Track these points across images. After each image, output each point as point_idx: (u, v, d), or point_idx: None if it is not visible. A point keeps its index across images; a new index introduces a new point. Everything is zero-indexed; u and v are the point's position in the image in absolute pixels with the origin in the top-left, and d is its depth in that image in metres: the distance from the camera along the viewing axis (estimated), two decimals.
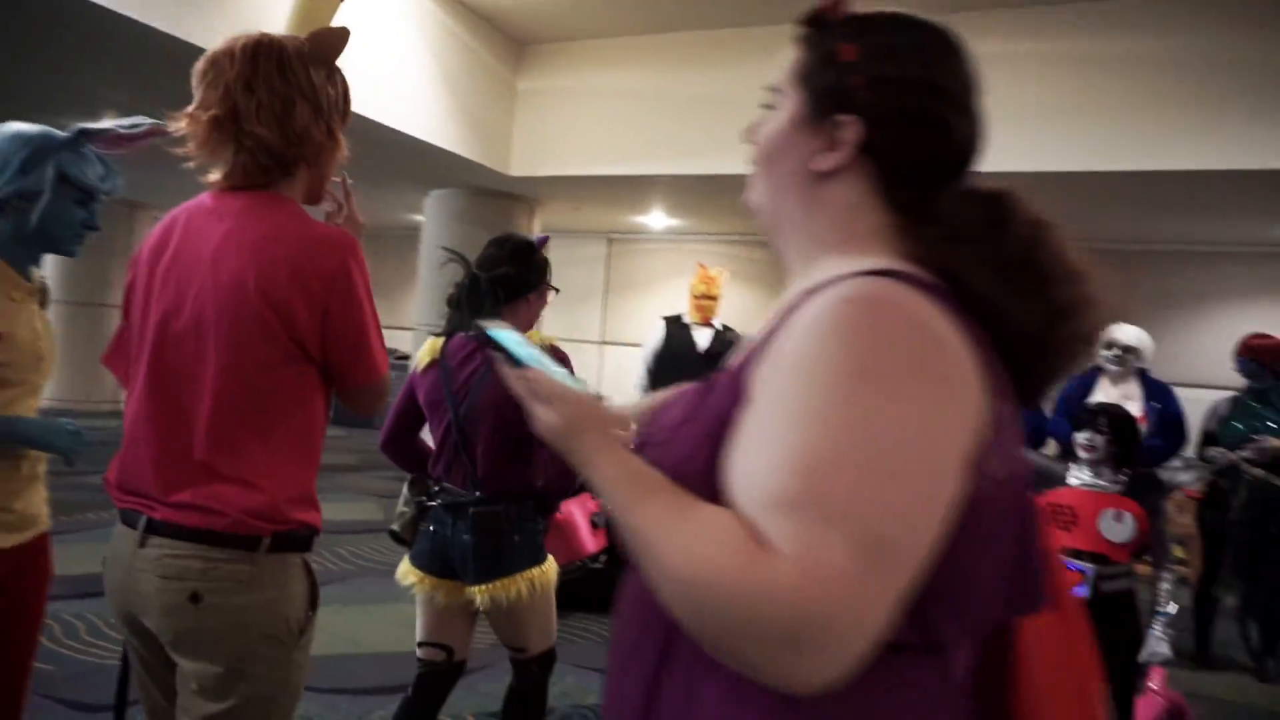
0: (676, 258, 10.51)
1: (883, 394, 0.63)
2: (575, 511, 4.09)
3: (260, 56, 1.34)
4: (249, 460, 1.26)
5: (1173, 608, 2.95)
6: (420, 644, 2.18)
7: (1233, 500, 4.09)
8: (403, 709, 2.18)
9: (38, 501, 1.69)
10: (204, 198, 1.41)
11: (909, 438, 0.62)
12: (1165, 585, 2.93)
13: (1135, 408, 4.08)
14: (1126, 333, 4.28)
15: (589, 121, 7.33)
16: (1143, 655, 2.90)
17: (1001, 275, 0.75)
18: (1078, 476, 3.04)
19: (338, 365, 1.33)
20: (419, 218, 8.95)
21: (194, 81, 1.38)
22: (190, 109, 1.37)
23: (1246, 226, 7.62)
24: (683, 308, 5.01)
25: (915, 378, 0.65)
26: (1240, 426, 4.16)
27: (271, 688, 1.29)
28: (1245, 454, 3.96)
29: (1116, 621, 2.91)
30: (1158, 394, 4.11)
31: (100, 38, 4.62)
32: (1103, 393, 4.27)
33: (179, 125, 1.38)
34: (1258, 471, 3.97)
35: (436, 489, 2.15)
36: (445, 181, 8.16)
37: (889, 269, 0.73)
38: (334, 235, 1.35)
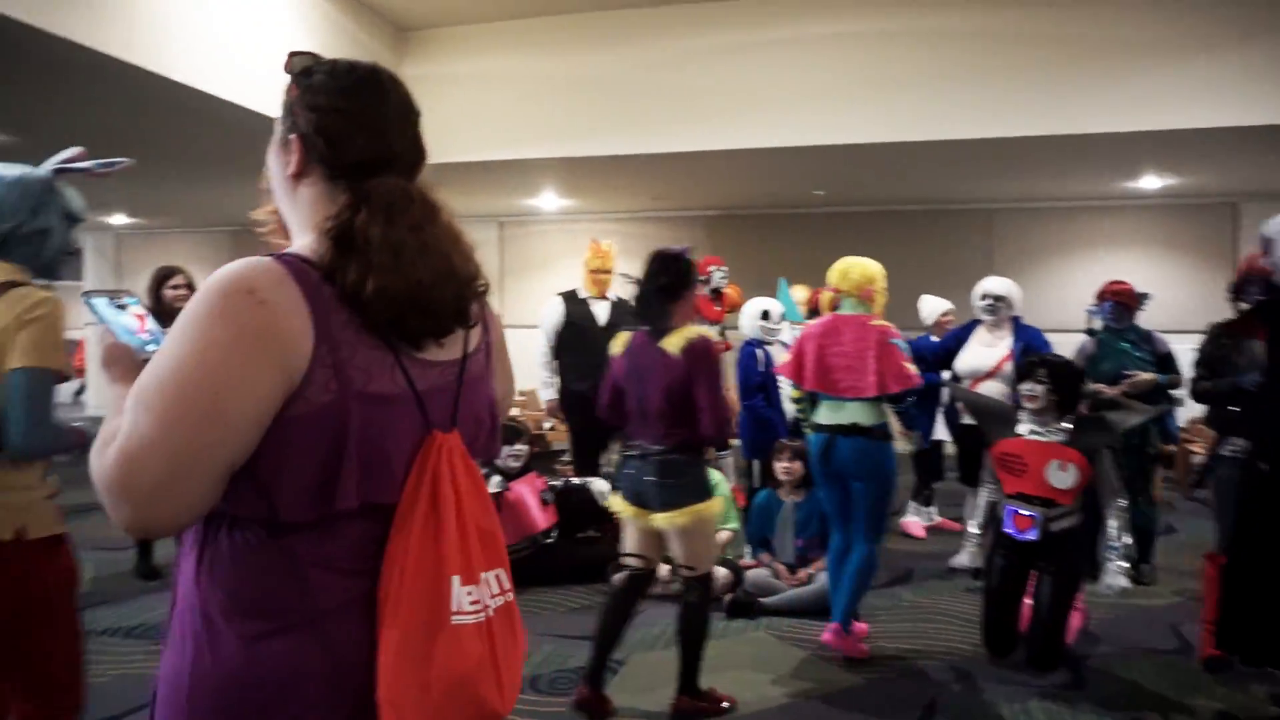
0: (569, 238, 10.58)
1: (197, 337, 0.94)
2: (524, 491, 4.20)
3: None
4: None
5: (1123, 541, 3.23)
6: (626, 554, 2.98)
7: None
8: (615, 599, 2.94)
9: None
10: None
11: (198, 365, 0.92)
12: (1113, 523, 3.23)
13: (1003, 349, 4.51)
14: (996, 284, 4.70)
15: (476, 107, 7.31)
16: (1102, 586, 3.22)
17: (340, 248, 1.01)
18: (1027, 425, 3.31)
19: None
20: None
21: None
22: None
23: (1090, 184, 8.37)
24: (576, 284, 5.11)
25: (225, 327, 0.93)
26: (1109, 364, 4.66)
27: None
28: (1124, 388, 4.43)
29: (1062, 555, 3.22)
30: (1025, 335, 4.55)
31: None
32: (978, 340, 4.67)
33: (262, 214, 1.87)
34: (1137, 404, 4.48)
35: (631, 443, 2.92)
36: None
37: (287, 252, 1.03)
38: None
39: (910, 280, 8.69)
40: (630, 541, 2.96)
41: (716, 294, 6.45)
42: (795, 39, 6.63)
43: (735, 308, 6.71)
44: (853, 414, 3.38)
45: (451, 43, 7.37)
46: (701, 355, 2.77)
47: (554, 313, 4.89)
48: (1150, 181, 8.18)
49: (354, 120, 1.09)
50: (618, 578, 2.97)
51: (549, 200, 9.63)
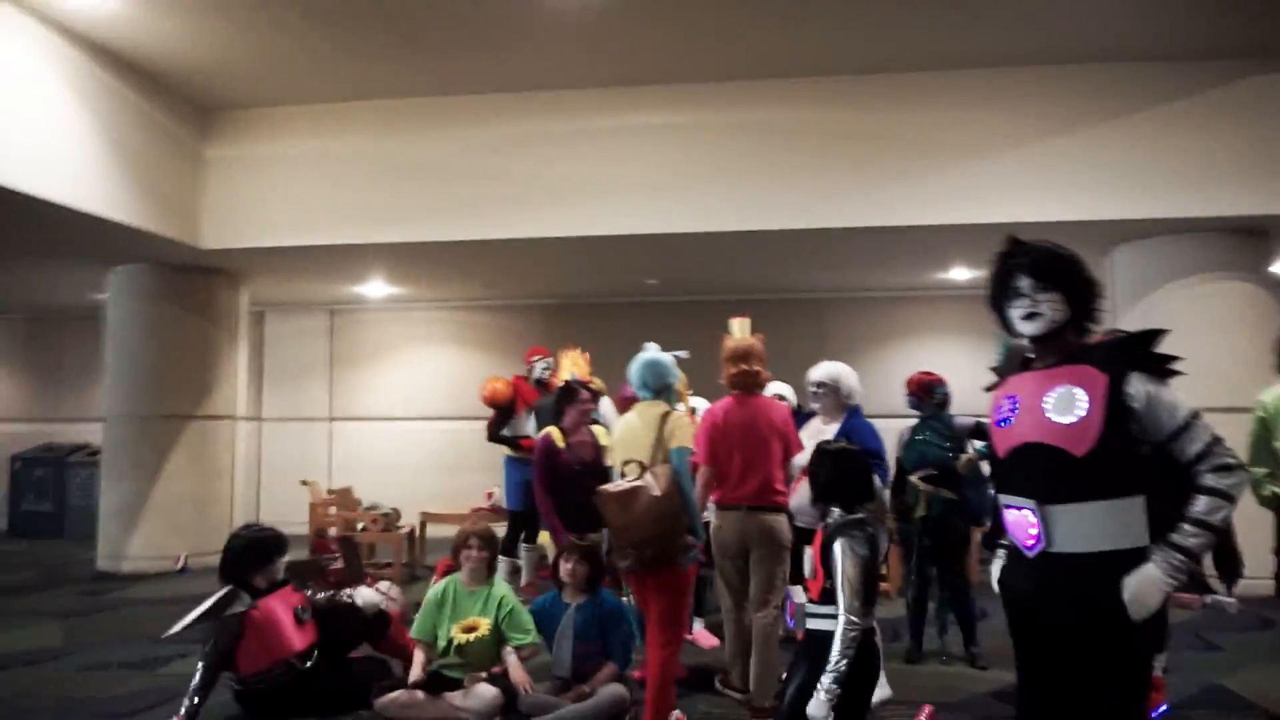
0: (400, 327, 10.19)
1: None
2: (277, 607, 3.71)
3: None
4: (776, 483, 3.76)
5: (843, 663, 2.59)
6: None
7: (913, 513, 4.58)
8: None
9: None
10: (729, 398, 3.88)
11: None
12: (838, 635, 2.61)
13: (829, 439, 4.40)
14: (819, 370, 4.38)
15: (289, 189, 6.98)
16: (809, 709, 2.55)
17: None
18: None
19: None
20: (102, 296, 8.02)
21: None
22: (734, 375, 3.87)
23: (912, 274, 8.71)
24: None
25: None
26: (913, 452, 4.66)
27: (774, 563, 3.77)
28: (963, 469, 4.53)
29: (810, 657, 2.70)
30: (850, 424, 4.24)
31: None
32: (808, 431, 4.32)
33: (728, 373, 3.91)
34: (927, 488, 4.50)
35: None
36: (127, 257, 7.40)
37: None
38: (782, 408, 3.92)
39: None
40: None
41: (541, 384, 6.32)
42: (622, 129, 6.66)
43: None
44: None
45: (261, 123, 7.04)
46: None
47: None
48: (960, 273, 8.58)
49: None
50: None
51: (376, 288, 9.26)
